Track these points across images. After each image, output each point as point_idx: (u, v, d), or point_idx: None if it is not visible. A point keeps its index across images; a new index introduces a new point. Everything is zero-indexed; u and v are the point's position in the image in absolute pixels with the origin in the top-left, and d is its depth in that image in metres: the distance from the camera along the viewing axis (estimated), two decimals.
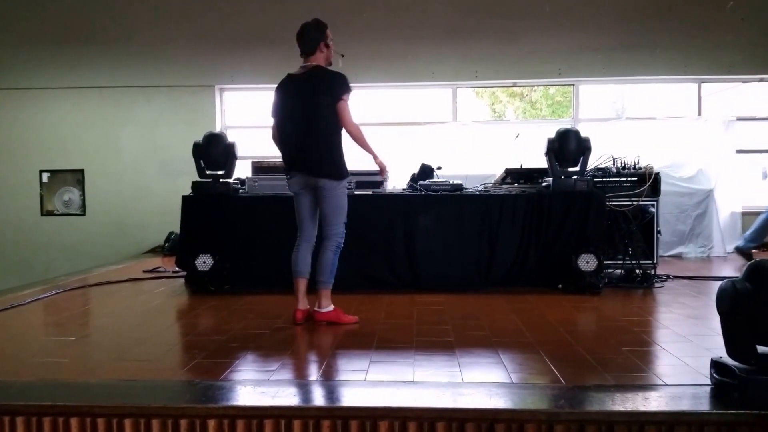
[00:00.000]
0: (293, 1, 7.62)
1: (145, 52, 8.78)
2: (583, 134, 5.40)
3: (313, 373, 3.01)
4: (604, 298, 4.94)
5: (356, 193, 5.43)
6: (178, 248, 5.80)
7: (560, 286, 5.21)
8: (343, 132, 3.95)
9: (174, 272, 6.04)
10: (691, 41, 8.42)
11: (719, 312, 2.58)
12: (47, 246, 8.96)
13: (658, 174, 5.55)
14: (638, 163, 5.65)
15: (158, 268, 6.59)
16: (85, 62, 8.87)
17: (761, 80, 8.70)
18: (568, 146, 5.32)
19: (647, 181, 5.43)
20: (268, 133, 4.18)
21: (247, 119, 9.15)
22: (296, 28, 3.93)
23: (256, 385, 2.79)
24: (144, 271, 6.43)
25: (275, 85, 4.06)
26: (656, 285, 5.36)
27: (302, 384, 2.86)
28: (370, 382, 2.85)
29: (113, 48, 8.75)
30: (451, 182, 5.56)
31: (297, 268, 4.05)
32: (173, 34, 8.68)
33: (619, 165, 5.67)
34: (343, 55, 4.03)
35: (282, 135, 4.04)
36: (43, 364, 3.18)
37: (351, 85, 3.94)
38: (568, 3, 7.98)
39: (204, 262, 5.22)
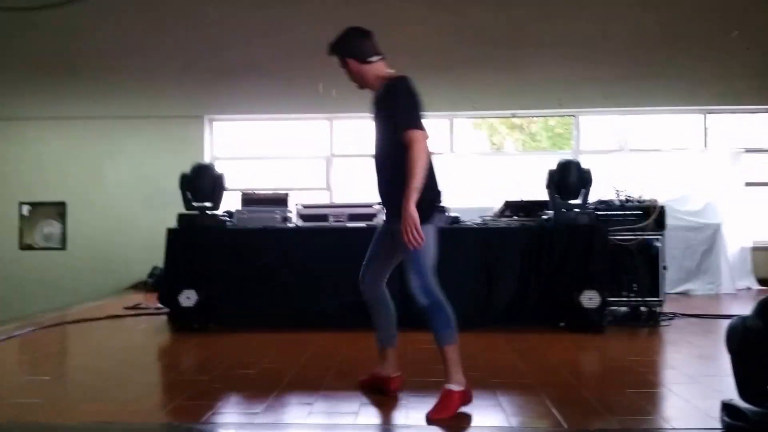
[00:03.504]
0: (283, 32, 7.40)
1: (133, 82, 8.65)
2: (584, 166, 5.31)
3: (301, 415, 2.88)
4: (608, 336, 4.82)
5: (348, 225, 5.36)
6: (162, 283, 5.64)
7: (562, 323, 5.08)
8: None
9: (156, 309, 5.89)
10: (697, 71, 8.28)
11: (729, 351, 2.51)
12: (25, 281, 8.80)
13: (663, 207, 5.44)
14: (642, 196, 5.54)
15: (139, 304, 6.46)
16: (69, 92, 8.78)
17: None
18: (569, 178, 5.24)
19: (652, 215, 5.33)
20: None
21: (237, 150, 8.94)
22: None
23: (239, 428, 2.71)
24: (125, 308, 6.28)
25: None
26: (662, 323, 5.23)
27: (288, 427, 2.75)
28: (361, 425, 2.75)
29: (100, 78, 8.61)
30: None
31: None
32: (162, 63, 8.54)
33: (622, 198, 5.56)
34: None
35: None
36: (16, 405, 3.08)
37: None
38: (569, 31, 7.86)
39: (188, 298, 5.07)
